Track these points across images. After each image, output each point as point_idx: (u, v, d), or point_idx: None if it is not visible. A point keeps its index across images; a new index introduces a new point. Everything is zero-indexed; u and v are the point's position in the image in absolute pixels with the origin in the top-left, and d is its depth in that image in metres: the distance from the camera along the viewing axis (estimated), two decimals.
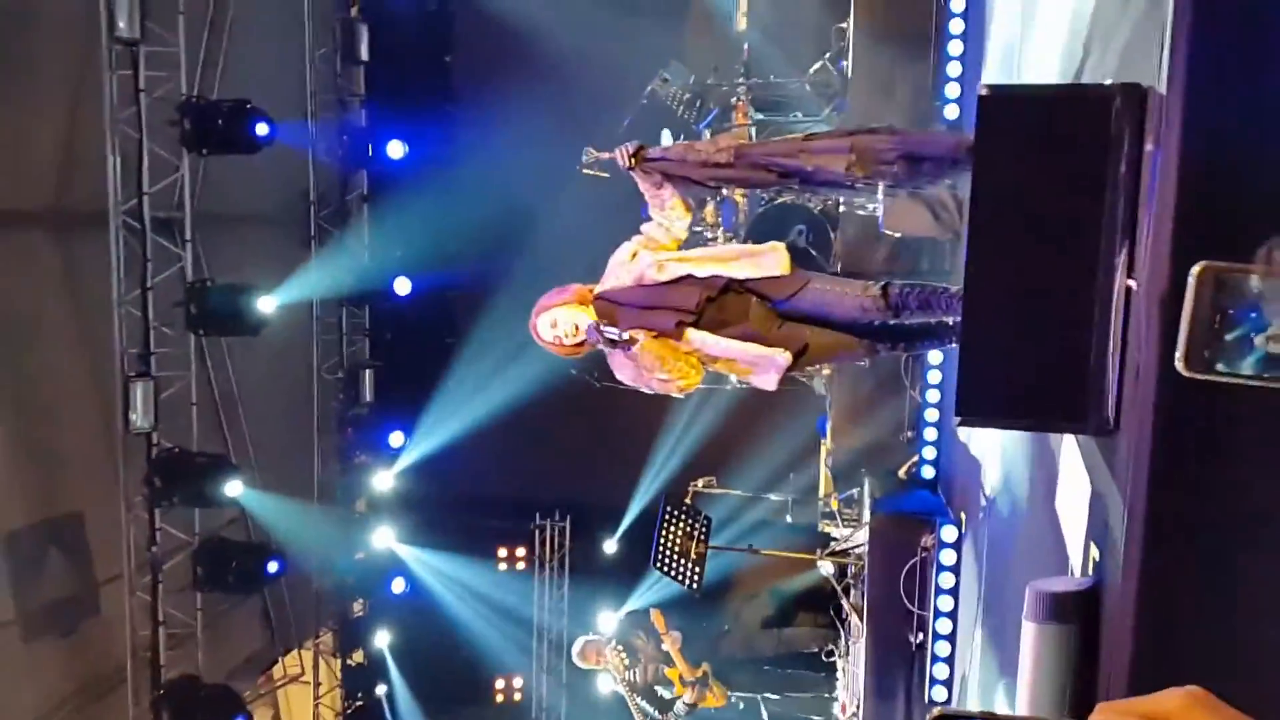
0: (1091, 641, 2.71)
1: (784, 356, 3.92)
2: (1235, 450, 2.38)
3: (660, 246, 4.06)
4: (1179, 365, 1.38)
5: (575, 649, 7.62)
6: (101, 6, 7.68)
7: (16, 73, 7.35)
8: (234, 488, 8.44)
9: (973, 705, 4.88)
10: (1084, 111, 2.73)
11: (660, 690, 7.35)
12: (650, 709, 7.19)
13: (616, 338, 3.84)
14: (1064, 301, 2.72)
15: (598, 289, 4.08)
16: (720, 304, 3.99)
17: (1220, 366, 1.38)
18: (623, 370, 4.05)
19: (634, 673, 7.40)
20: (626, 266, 4.05)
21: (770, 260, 3.97)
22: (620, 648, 7.42)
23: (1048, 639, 2.73)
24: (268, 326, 8.80)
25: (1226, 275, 1.37)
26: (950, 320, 3.97)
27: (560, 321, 4.01)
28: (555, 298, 4.06)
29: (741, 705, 8.13)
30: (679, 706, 7.20)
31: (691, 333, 3.93)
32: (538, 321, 4.06)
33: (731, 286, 3.99)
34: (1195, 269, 1.37)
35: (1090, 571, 2.86)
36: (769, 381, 3.98)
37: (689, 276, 3.97)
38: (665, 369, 3.91)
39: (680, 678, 7.43)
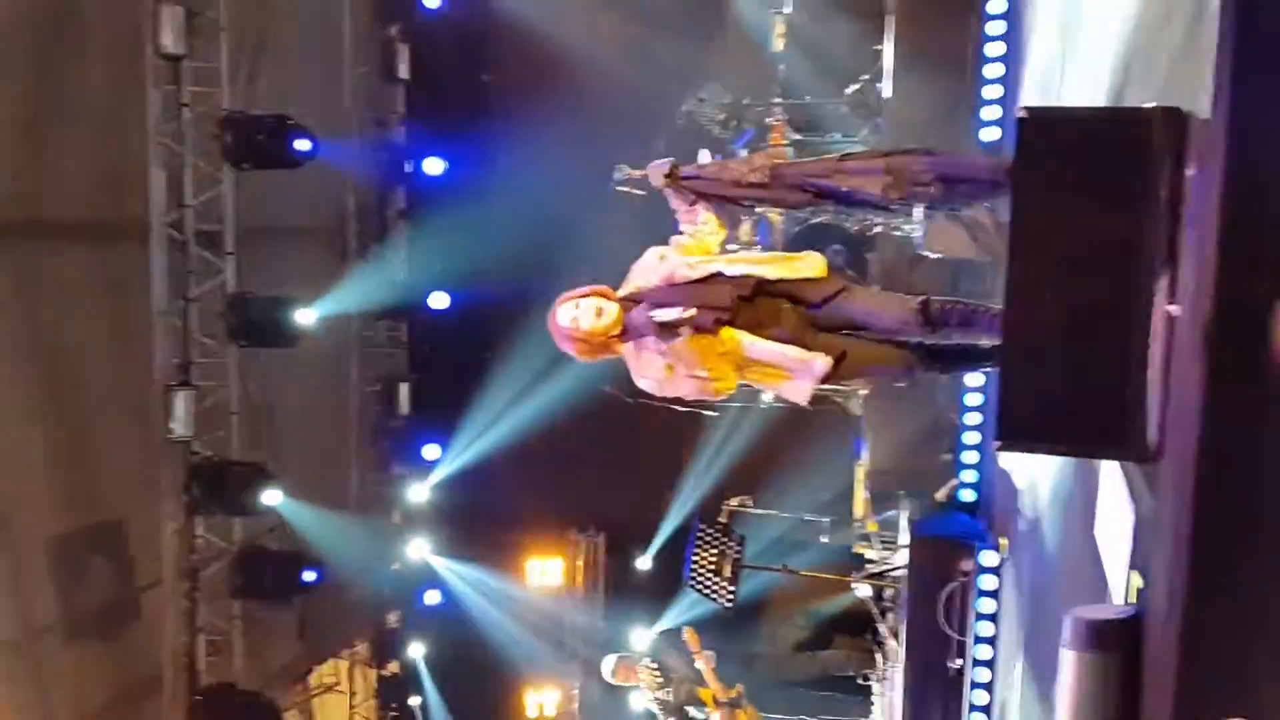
0: (1133, 672, 2.66)
1: (824, 361, 3.73)
2: None
3: (689, 251, 3.93)
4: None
5: (607, 666, 7.60)
6: (148, 23, 7.83)
7: (62, 87, 7.51)
8: (272, 496, 8.54)
9: None
10: (1124, 134, 2.70)
11: (691, 710, 7.31)
12: None
13: (671, 319, 3.67)
14: (1105, 326, 2.69)
15: (623, 290, 3.90)
16: (754, 305, 3.81)
17: None
18: (646, 373, 3.88)
19: (666, 691, 7.38)
20: (655, 269, 3.88)
21: (805, 264, 3.82)
22: (654, 665, 7.39)
23: (1088, 668, 2.69)
24: (307, 339, 8.90)
25: None
26: (989, 342, 3.88)
27: (583, 305, 3.79)
28: (573, 292, 3.86)
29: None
30: None
31: (733, 331, 3.76)
32: (558, 310, 3.84)
33: (764, 288, 3.80)
34: None
35: (1132, 600, 2.81)
36: (802, 392, 3.81)
37: (719, 274, 3.80)
38: (706, 366, 3.78)
39: (713, 698, 7.39)
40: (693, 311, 3.69)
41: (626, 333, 3.82)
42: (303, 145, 8.59)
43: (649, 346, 3.82)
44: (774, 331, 3.78)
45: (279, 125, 8.57)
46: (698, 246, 3.97)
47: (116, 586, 8.23)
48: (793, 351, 3.75)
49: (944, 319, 3.74)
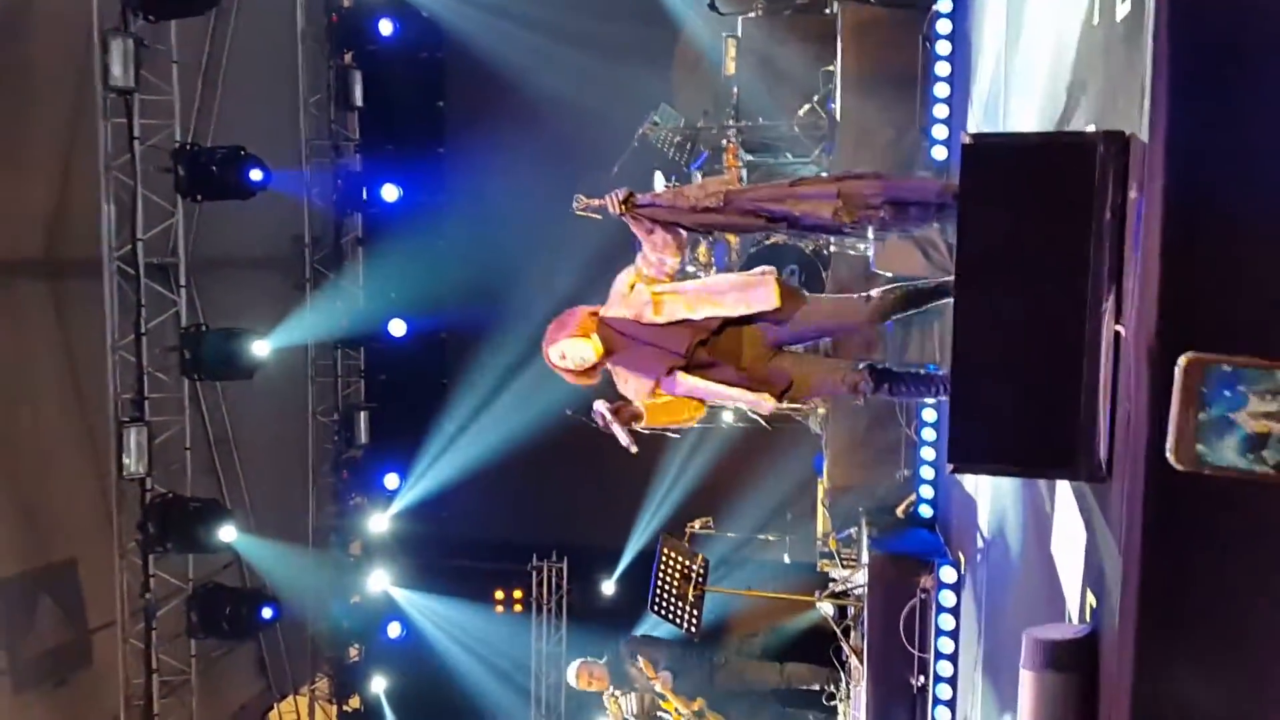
0: (1090, 690, 2.68)
1: (768, 404, 4.11)
2: (1231, 497, 2.37)
3: (653, 280, 4.16)
4: (1170, 459, 1.36)
5: (571, 672, 7.62)
6: (96, 56, 7.75)
7: (10, 121, 7.40)
8: (228, 533, 8.40)
9: None
10: (1067, 159, 2.75)
11: (660, 714, 7.34)
12: None
13: (622, 435, 4.02)
14: (1052, 348, 2.73)
15: (603, 311, 4.19)
16: (711, 346, 4.10)
17: (1201, 449, 1.37)
18: (629, 390, 4.18)
19: (630, 700, 7.40)
20: (626, 299, 4.15)
21: (761, 294, 4.03)
22: (616, 694, 7.38)
23: (1046, 688, 2.71)
24: (262, 370, 8.80)
25: (1212, 366, 1.36)
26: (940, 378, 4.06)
27: (568, 354, 4.13)
28: (560, 331, 4.17)
29: None
30: None
31: (681, 376, 4.08)
32: (549, 351, 4.18)
33: (728, 323, 4.08)
34: (1182, 360, 1.36)
35: (1087, 618, 2.84)
36: (763, 408, 4.19)
37: (686, 320, 4.06)
38: (677, 422, 4.21)
39: (675, 710, 7.42)
40: (631, 419, 4.08)
41: (610, 355, 4.13)
42: (256, 175, 8.53)
43: (629, 379, 4.14)
44: (726, 370, 4.06)
45: (232, 156, 8.51)
46: (660, 274, 4.15)
47: (68, 629, 8.04)
48: (738, 394, 4.11)
49: (890, 392, 4.13)
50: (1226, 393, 1.37)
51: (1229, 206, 2.51)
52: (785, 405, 4.41)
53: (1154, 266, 2.50)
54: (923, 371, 4.17)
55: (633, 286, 4.15)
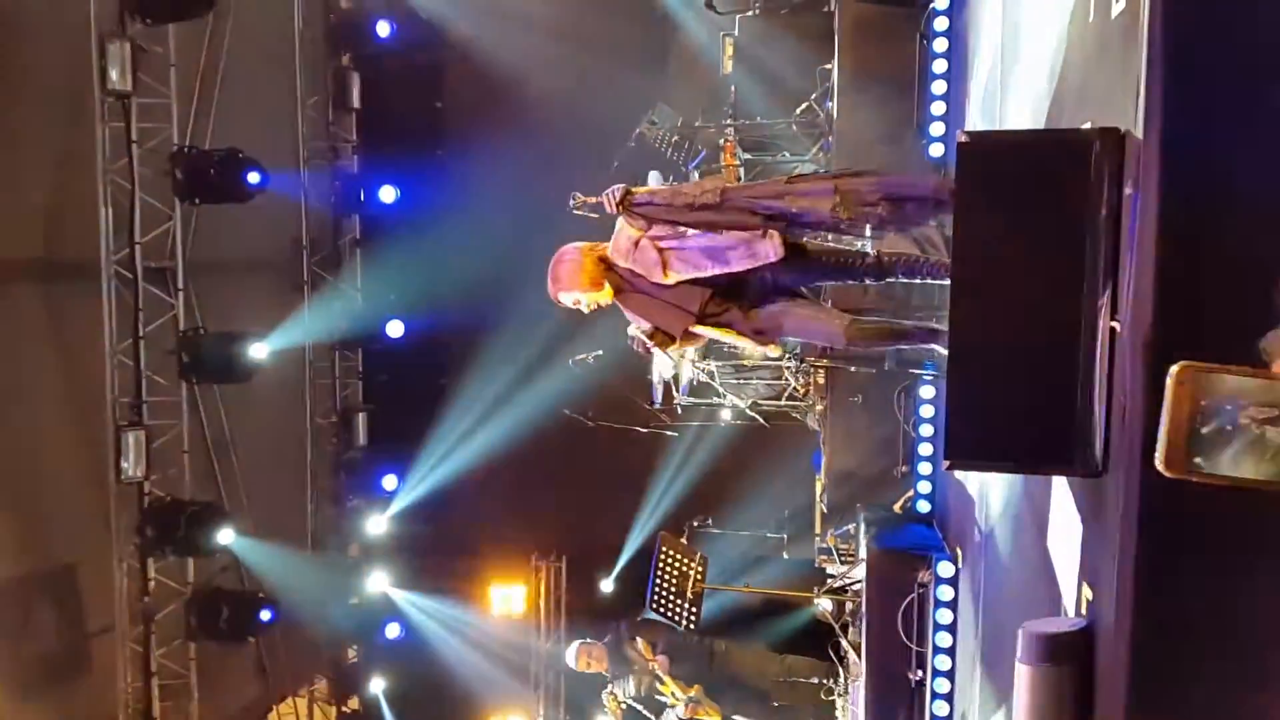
0: (1086, 683, 2.70)
1: (774, 351, 4.44)
2: (1226, 494, 2.39)
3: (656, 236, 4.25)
4: (1160, 467, 1.38)
5: (569, 652, 7.64)
6: (94, 59, 7.75)
7: (8, 125, 7.40)
8: (226, 535, 8.41)
9: None
10: (1063, 156, 2.77)
11: (659, 698, 7.37)
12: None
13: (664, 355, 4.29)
14: (1049, 344, 2.74)
15: (612, 258, 4.27)
16: (719, 295, 4.25)
17: (1199, 462, 1.39)
18: (642, 324, 4.33)
19: (628, 684, 7.43)
20: (631, 254, 4.25)
21: (765, 249, 4.10)
22: (614, 690, 7.39)
23: (1041, 681, 2.73)
24: (261, 372, 8.80)
25: (1204, 375, 1.37)
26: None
27: (583, 302, 4.31)
28: (570, 278, 4.30)
29: None
30: (669, 716, 7.21)
31: (697, 328, 4.28)
32: (560, 296, 4.35)
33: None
34: (1174, 370, 1.37)
35: (1083, 612, 2.85)
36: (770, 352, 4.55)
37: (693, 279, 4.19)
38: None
39: (673, 695, 7.45)
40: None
41: (618, 293, 4.28)
42: (254, 178, 8.54)
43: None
44: (734, 316, 4.25)
45: (230, 159, 8.51)
46: None
47: (67, 633, 8.04)
48: (747, 341, 4.34)
49: (892, 271, 4.27)
50: (1228, 406, 1.39)
51: (1223, 203, 2.52)
52: (787, 355, 4.65)
53: (1149, 263, 2.52)
54: (924, 260, 4.24)
55: (637, 243, 4.23)
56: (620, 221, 4.30)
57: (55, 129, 7.95)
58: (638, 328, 4.35)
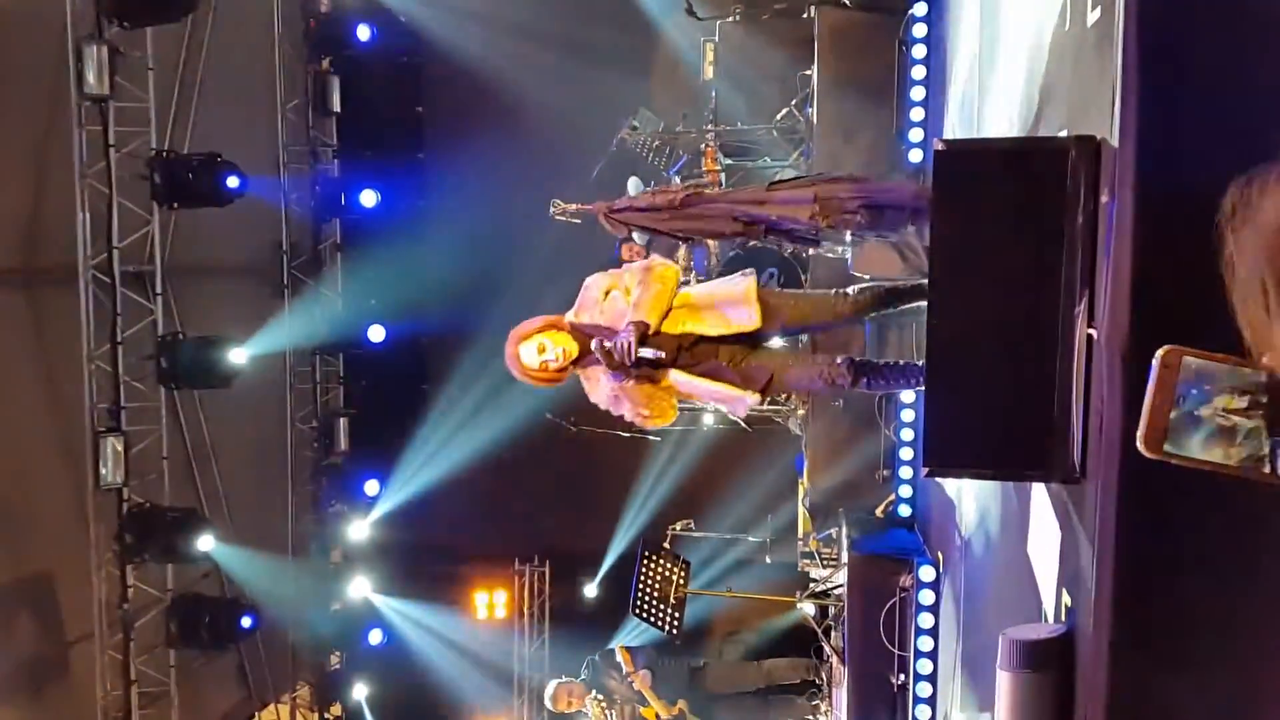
0: (1066, 689, 2.71)
1: (752, 398, 4.05)
2: (1203, 498, 2.40)
3: (629, 289, 4.04)
4: (1140, 446, 1.39)
5: (547, 693, 7.59)
6: (70, 63, 7.69)
7: None
8: (206, 542, 8.35)
9: None
10: (1039, 164, 2.78)
11: None
12: None
13: (652, 357, 3.88)
14: (1026, 351, 2.76)
15: (570, 318, 4.07)
16: (691, 351, 4.05)
17: (1169, 447, 1.41)
18: (597, 396, 4.11)
19: (611, 715, 7.38)
20: (600, 306, 4.04)
21: (742, 315, 3.95)
22: (598, 696, 7.37)
23: (1022, 688, 2.74)
24: (240, 378, 8.75)
25: (1188, 359, 1.39)
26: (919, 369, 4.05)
27: (549, 346, 3.98)
28: (531, 326, 4.05)
29: None
30: None
31: (672, 373, 4.02)
32: (520, 350, 4.02)
33: (704, 339, 4.03)
34: (1160, 352, 1.39)
35: (1063, 618, 2.87)
36: (738, 412, 4.20)
37: (659, 331, 3.97)
38: (649, 408, 4.06)
39: (656, 716, 7.41)
40: (664, 354, 3.92)
41: (580, 359, 4.01)
42: (233, 182, 8.49)
43: (601, 377, 4.03)
44: (708, 366, 4.01)
45: (208, 163, 8.46)
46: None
47: (46, 640, 7.96)
48: (723, 390, 4.04)
49: (868, 385, 4.14)
50: (1195, 390, 1.41)
51: (1199, 211, 2.54)
52: (766, 404, 4.41)
53: (1125, 270, 2.53)
54: (901, 363, 4.17)
55: (608, 293, 4.05)
56: (589, 280, 4.11)
57: (32, 133, 7.88)
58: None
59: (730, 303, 3.97)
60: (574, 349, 3.97)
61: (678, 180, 7.99)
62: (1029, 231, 2.79)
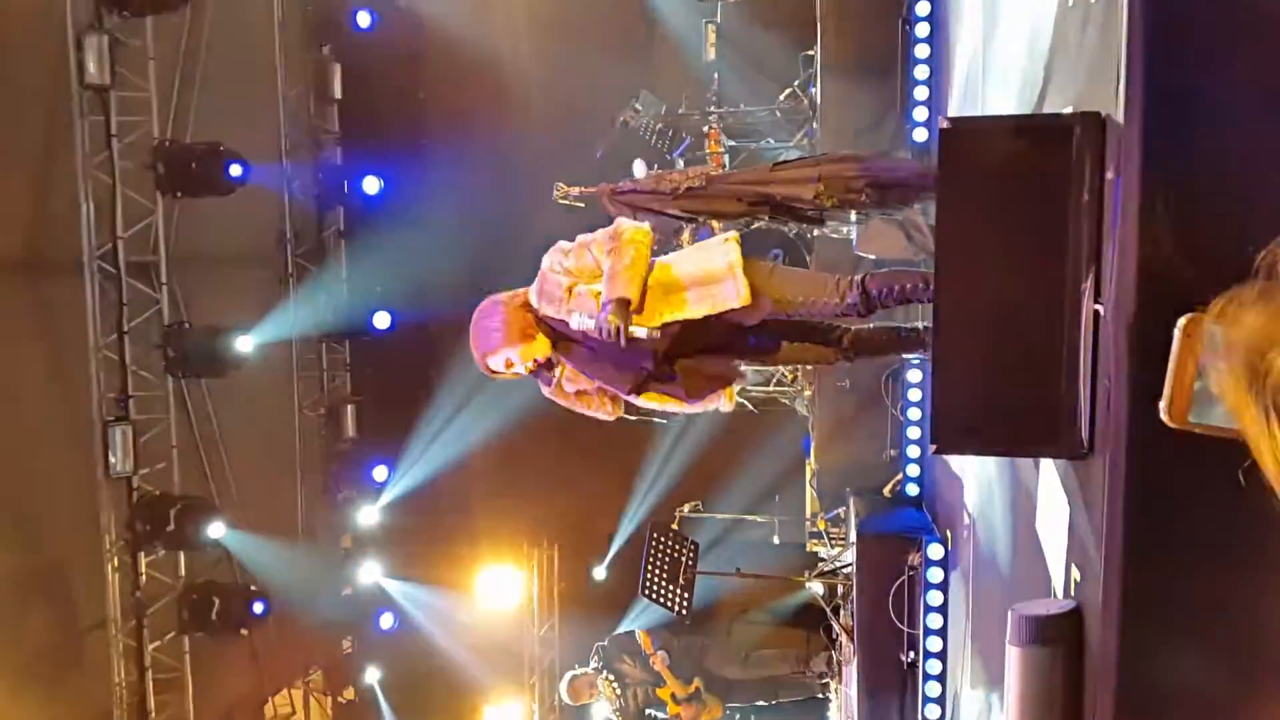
0: (1075, 664, 2.73)
1: (726, 405, 3.75)
2: (1210, 471, 2.41)
3: (594, 277, 3.55)
4: (1164, 416, 1.40)
5: (563, 686, 7.61)
6: (71, 53, 7.69)
7: None
8: (217, 529, 8.40)
9: None
10: (1045, 141, 2.78)
11: (653, 713, 7.36)
12: None
13: (645, 336, 3.43)
14: (1033, 328, 2.76)
15: (537, 305, 3.61)
16: (676, 338, 3.63)
17: (1193, 417, 1.41)
18: (575, 382, 3.78)
19: (625, 697, 7.42)
20: (565, 302, 3.56)
21: (727, 291, 3.48)
22: (610, 676, 7.41)
23: (1031, 663, 2.76)
24: (247, 366, 8.78)
25: (1209, 327, 1.39)
26: (920, 326, 3.92)
27: (518, 361, 3.62)
28: (495, 335, 3.62)
29: (737, 718, 8.12)
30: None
31: (640, 400, 3.73)
32: (488, 360, 3.69)
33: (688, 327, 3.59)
34: (1182, 321, 1.40)
35: (1072, 593, 2.88)
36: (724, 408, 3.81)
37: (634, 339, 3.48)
38: (585, 406, 3.80)
39: (672, 696, 7.46)
40: (657, 333, 3.50)
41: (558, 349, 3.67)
42: (236, 171, 8.50)
43: (564, 384, 3.75)
44: (693, 360, 3.66)
45: (211, 152, 8.47)
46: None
47: (60, 629, 8.04)
48: (694, 408, 3.74)
49: (881, 300, 3.68)
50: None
51: (1205, 186, 2.54)
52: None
53: (1131, 247, 2.54)
54: (915, 276, 3.70)
55: (571, 290, 3.54)
56: (547, 260, 3.61)
57: (34, 124, 7.89)
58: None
59: (712, 280, 3.49)
60: (547, 351, 3.61)
61: (681, 163, 7.98)
62: (1035, 209, 2.79)
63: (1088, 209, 2.75)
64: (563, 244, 3.63)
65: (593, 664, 7.61)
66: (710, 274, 3.51)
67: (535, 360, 3.60)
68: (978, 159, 2.82)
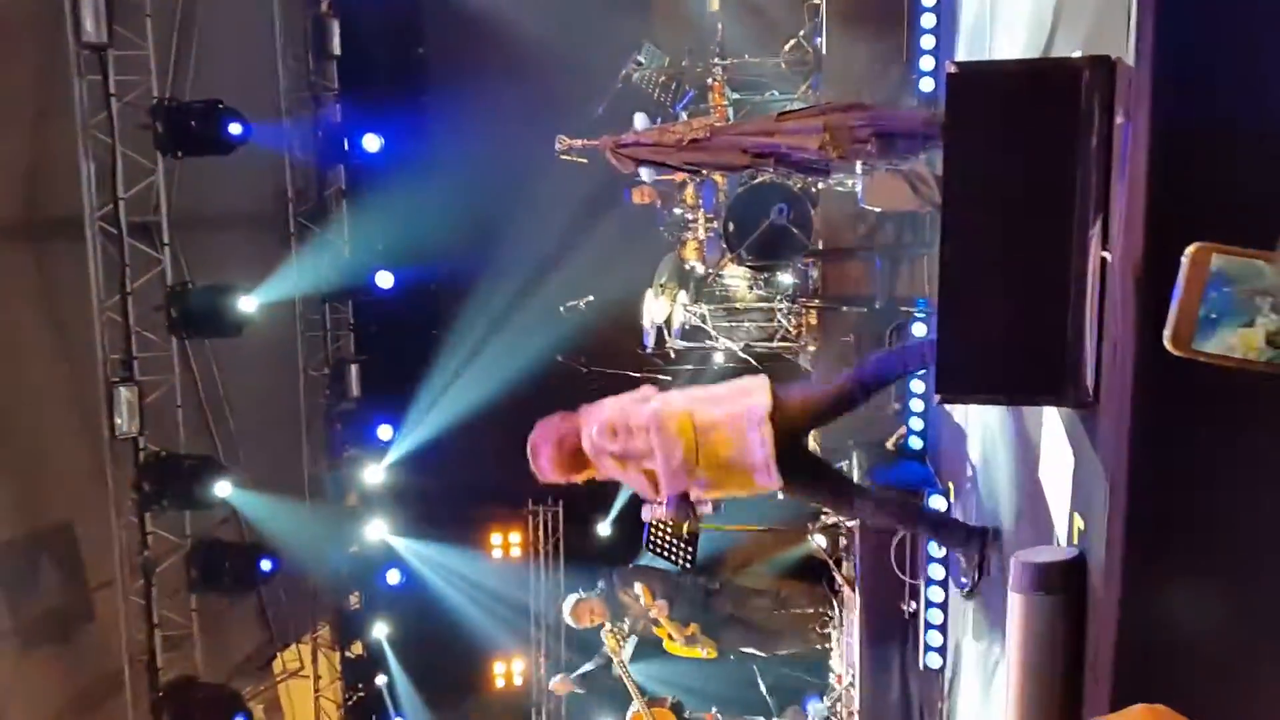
0: (1078, 611, 2.74)
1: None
2: (1216, 419, 2.41)
3: (643, 456, 4.00)
4: (1167, 344, 1.40)
5: (566, 608, 7.72)
6: (67, 11, 7.60)
7: None
8: (223, 488, 8.44)
9: (967, 672, 4.94)
10: (1053, 86, 2.74)
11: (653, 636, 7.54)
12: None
13: (710, 511, 4.09)
14: (1040, 275, 2.74)
15: (588, 450, 4.03)
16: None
17: (1196, 345, 1.41)
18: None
19: (624, 629, 7.54)
20: (615, 472, 4.06)
21: (762, 479, 3.92)
22: (612, 629, 7.50)
23: (1034, 609, 2.77)
24: (251, 326, 8.77)
25: (1220, 255, 1.39)
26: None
27: (575, 479, 4.20)
28: (550, 472, 4.17)
29: (732, 657, 8.21)
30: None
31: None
32: (554, 476, 4.21)
33: None
34: (1190, 249, 1.39)
35: (1075, 541, 2.89)
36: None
37: None
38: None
39: (669, 636, 7.58)
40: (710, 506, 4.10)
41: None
42: (235, 129, 8.42)
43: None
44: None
45: (210, 111, 8.38)
46: None
47: (68, 589, 8.10)
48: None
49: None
50: (1223, 287, 1.41)
51: (1215, 131, 2.51)
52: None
53: (1140, 192, 2.51)
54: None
55: (624, 466, 4.00)
56: (593, 437, 4.01)
57: (30, 83, 7.81)
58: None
59: (751, 471, 3.89)
60: (593, 476, 4.12)
61: (684, 116, 7.90)
62: (1043, 154, 2.76)
63: (1097, 154, 2.72)
64: (603, 414, 4.04)
65: (598, 589, 7.70)
66: (750, 466, 3.88)
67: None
68: (986, 103, 2.78)
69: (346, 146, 10.65)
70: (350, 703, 11.19)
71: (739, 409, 3.82)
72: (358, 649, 11.31)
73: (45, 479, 7.94)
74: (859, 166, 4.48)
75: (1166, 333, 1.41)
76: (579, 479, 4.14)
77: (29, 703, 7.65)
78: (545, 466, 4.11)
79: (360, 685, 11.21)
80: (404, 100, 10.71)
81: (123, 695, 8.13)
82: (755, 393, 3.84)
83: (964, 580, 4.10)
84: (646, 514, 4.11)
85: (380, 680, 11.23)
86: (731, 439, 3.82)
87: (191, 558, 8.69)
